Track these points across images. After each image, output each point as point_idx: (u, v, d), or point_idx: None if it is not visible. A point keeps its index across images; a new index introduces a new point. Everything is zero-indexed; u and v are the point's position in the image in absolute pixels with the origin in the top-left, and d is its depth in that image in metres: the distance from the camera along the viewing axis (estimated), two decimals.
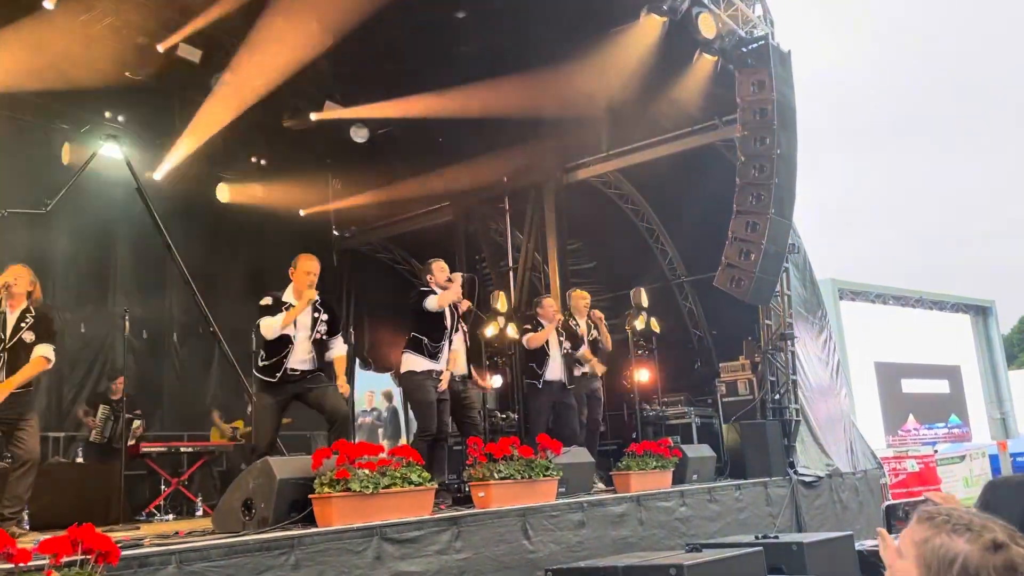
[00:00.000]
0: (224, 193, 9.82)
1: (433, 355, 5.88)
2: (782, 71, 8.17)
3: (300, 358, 5.31)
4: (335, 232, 11.87)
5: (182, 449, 7.89)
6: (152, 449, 7.70)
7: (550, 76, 8.15)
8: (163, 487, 7.67)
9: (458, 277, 6.02)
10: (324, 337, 5.45)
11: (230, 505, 4.22)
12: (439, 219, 11.40)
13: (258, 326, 5.27)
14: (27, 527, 5.26)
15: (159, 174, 8.53)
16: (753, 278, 7.73)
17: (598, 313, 7.66)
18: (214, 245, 9.50)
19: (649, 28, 7.60)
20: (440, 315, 5.95)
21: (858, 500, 8.95)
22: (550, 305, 7.33)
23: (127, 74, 8.03)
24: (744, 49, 8.18)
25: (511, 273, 11.02)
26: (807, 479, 8.12)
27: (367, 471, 4.24)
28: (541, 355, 7.10)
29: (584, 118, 9.24)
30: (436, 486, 4.81)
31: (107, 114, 8.67)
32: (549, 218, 10.35)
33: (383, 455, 4.49)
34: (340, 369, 5.56)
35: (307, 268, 5.38)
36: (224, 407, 9.06)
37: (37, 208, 7.42)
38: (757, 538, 5.66)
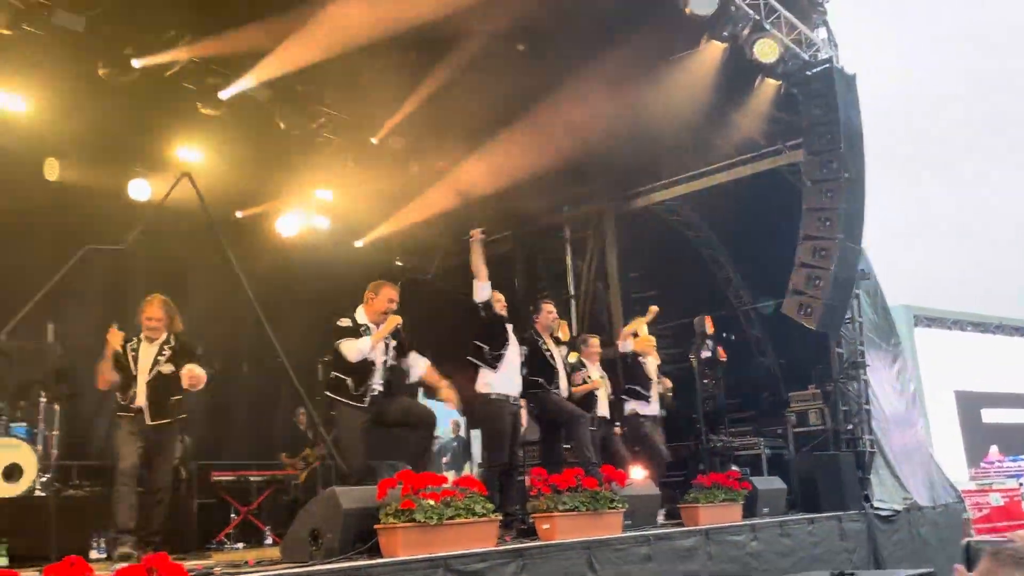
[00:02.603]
0: (288, 227, 10.02)
1: (493, 364, 5.87)
2: (848, 94, 8.03)
3: (379, 382, 5.35)
4: (398, 262, 12.01)
5: (251, 478, 8.01)
6: (222, 478, 7.85)
7: (610, 104, 8.16)
8: (233, 516, 7.80)
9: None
10: (395, 362, 5.48)
11: (298, 535, 4.26)
12: (499, 249, 11.45)
13: (336, 350, 5.25)
14: (105, 554, 5.42)
15: (239, 212, 8.79)
16: (822, 305, 7.55)
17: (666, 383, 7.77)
18: (280, 278, 9.70)
19: (710, 54, 7.58)
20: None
21: (938, 535, 8.57)
22: (594, 345, 7.32)
23: (200, 110, 8.33)
24: (808, 73, 8.08)
25: (572, 302, 10.99)
26: (884, 513, 7.82)
27: (431, 502, 4.24)
28: (588, 395, 7.06)
29: (645, 145, 9.20)
30: (500, 517, 4.78)
31: (181, 151, 8.97)
32: (610, 246, 10.31)
33: (447, 485, 4.49)
34: (435, 378, 5.56)
35: (389, 295, 5.42)
36: (290, 441, 9.16)
37: (116, 244, 7.76)
38: (833, 574, 5.46)
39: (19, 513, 5.86)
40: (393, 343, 5.46)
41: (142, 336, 5.32)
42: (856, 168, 7.88)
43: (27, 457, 6.17)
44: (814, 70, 8.09)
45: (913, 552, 7.96)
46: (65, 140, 8.16)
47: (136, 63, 7.42)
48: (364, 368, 5.25)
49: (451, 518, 4.26)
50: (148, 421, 5.20)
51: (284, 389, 9.24)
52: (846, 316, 8.31)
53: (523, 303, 8.96)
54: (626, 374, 7.88)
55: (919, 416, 9.64)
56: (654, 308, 7.96)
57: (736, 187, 9.45)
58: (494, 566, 4.29)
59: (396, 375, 5.51)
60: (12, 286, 7.38)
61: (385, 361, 5.38)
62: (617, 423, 7.26)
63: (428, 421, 5.42)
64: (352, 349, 5.20)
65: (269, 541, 7.28)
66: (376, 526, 4.14)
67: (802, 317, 7.63)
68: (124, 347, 5.27)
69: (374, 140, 9.30)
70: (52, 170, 8.24)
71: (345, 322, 5.34)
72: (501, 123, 8.64)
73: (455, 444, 12.14)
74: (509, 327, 6.15)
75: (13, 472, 6.06)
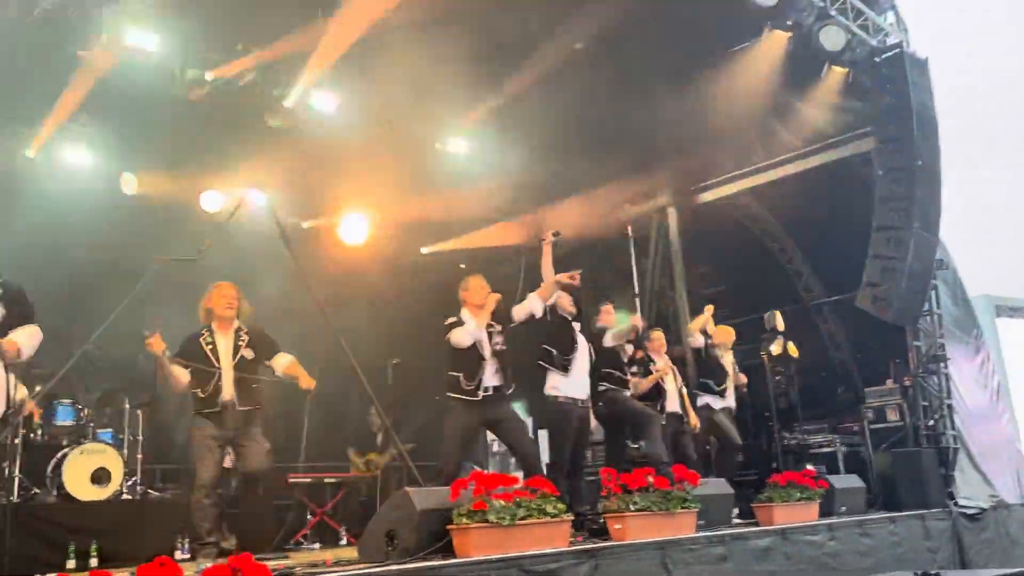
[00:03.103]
0: (353, 235, 10.18)
1: (564, 368, 5.85)
2: (919, 79, 7.78)
3: (491, 376, 5.44)
4: (462, 266, 12.09)
5: (325, 480, 8.17)
6: (299, 480, 8.02)
7: (672, 99, 8.07)
8: (309, 517, 7.96)
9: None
10: (504, 347, 5.56)
11: (374, 535, 4.33)
12: (561, 248, 11.41)
13: (449, 346, 5.46)
14: (188, 554, 5.56)
15: (307, 223, 8.97)
16: (898, 297, 7.33)
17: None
18: (347, 284, 9.87)
19: (774, 44, 7.44)
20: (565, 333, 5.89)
21: None
22: (658, 339, 7.23)
23: (268, 123, 8.54)
24: (877, 59, 7.85)
25: (636, 301, 10.89)
26: (969, 511, 7.55)
27: (503, 502, 4.26)
28: (658, 389, 6.98)
29: (709, 139, 9.07)
30: (572, 517, 4.77)
31: (251, 163, 9.20)
32: (674, 243, 10.19)
33: (518, 486, 4.50)
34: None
35: (479, 284, 5.61)
36: (357, 441, 9.33)
37: (190, 257, 8.01)
38: (917, 575, 5.29)
39: (107, 515, 6.10)
40: (498, 329, 5.55)
41: (213, 327, 5.33)
42: (930, 155, 7.63)
43: (114, 461, 6.42)
44: (883, 56, 7.86)
45: (1001, 551, 7.66)
46: (140, 155, 8.48)
47: (208, 76, 7.64)
48: (474, 360, 5.40)
49: (523, 518, 4.27)
50: (239, 407, 5.20)
51: (354, 393, 9.41)
52: (924, 308, 8.05)
53: (588, 303, 8.92)
54: (700, 369, 7.79)
55: (1004, 410, 9.26)
56: (710, 307, 7.84)
57: (804, 179, 9.23)
58: (567, 566, 4.27)
59: (507, 373, 5.56)
60: (95, 297, 7.70)
61: (495, 351, 5.46)
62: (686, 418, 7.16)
63: (526, 461, 5.51)
64: (462, 334, 5.39)
65: (344, 541, 7.41)
66: (449, 526, 4.18)
67: (877, 310, 7.43)
68: (197, 341, 5.29)
69: (438, 146, 9.40)
70: (129, 185, 8.57)
71: (452, 319, 5.53)
72: (563, 124, 8.62)
73: (499, 449, 12.15)
74: (576, 326, 6.14)
75: (101, 476, 6.31)
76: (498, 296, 5.53)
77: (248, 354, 5.31)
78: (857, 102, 8.09)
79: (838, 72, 7.92)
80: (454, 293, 5.76)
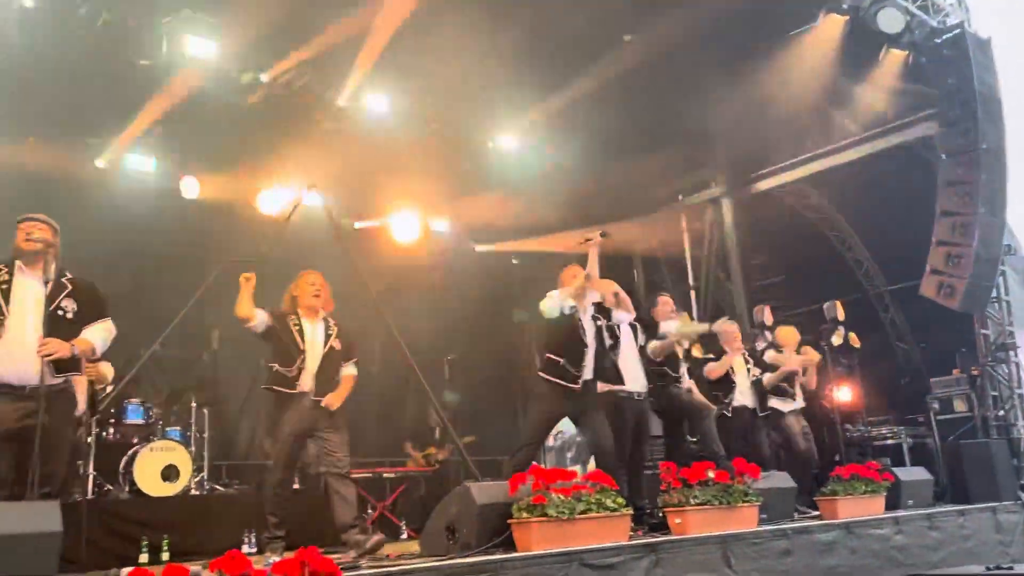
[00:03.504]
0: (404, 233, 10.25)
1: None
2: (982, 59, 7.55)
3: (590, 362, 5.33)
4: (515, 261, 12.12)
5: (384, 475, 8.28)
6: (359, 475, 8.15)
7: (725, 87, 7.97)
8: (369, 512, 8.08)
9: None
10: (614, 343, 5.52)
11: (435, 529, 4.38)
12: (614, 241, 11.34)
13: (546, 326, 5.37)
14: (255, 548, 5.70)
15: (360, 222, 9.09)
16: (964, 284, 7.13)
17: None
18: (400, 282, 9.97)
19: (830, 28, 7.30)
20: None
21: None
22: (730, 331, 7.06)
23: (321, 124, 8.68)
24: (937, 40, 7.63)
25: (692, 292, 10.79)
26: None
27: (562, 496, 4.27)
28: (726, 382, 6.87)
29: (765, 127, 8.93)
30: (631, 512, 4.75)
31: (306, 164, 9.36)
32: (730, 233, 10.06)
33: (577, 480, 4.50)
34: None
35: (574, 272, 5.52)
36: (414, 436, 9.43)
37: (250, 259, 8.19)
38: (988, 569, 5.15)
39: (177, 511, 6.28)
40: (601, 320, 5.48)
41: (300, 312, 5.17)
42: (995, 137, 7.40)
43: (182, 458, 6.61)
44: (944, 37, 7.64)
45: None
46: (200, 159, 8.70)
47: (263, 77, 7.78)
48: (577, 348, 5.29)
49: (583, 512, 4.27)
50: (313, 397, 4.96)
51: (411, 389, 9.52)
52: (991, 295, 7.81)
53: (643, 296, 8.85)
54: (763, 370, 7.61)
55: None
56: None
57: (863, 165, 9.02)
58: (628, 560, 4.27)
59: (606, 361, 5.47)
60: (160, 300, 7.94)
61: (597, 333, 5.40)
62: (764, 413, 6.99)
63: (600, 458, 5.37)
64: (550, 299, 5.29)
65: (404, 536, 7.50)
66: (509, 520, 4.21)
67: (942, 298, 7.24)
68: (286, 320, 5.10)
69: (490, 144, 9.44)
70: (191, 189, 8.79)
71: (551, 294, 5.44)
72: (616, 117, 8.57)
73: (579, 439, 12.15)
74: (623, 321, 5.98)
75: (170, 473, 6.50)
76: (587, 270, 5.38)
77: (336, 345, 5.17)
78: (918, 85, 7.88)
79: (897, 55, 7.72)
80: (508, 288, 5.73)
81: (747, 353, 7.05)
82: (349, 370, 5.26)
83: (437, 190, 10.48)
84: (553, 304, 5.33)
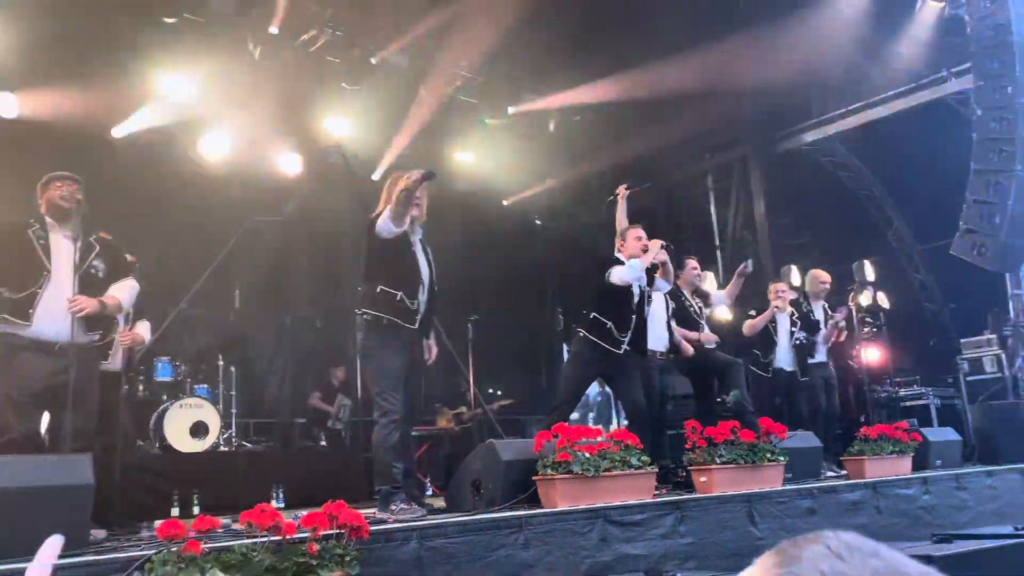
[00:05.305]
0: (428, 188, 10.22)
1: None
2: (1022, 8, 7.28)
3: (629, 330, 5.30)
4: (537, 222, 12.06)
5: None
6: None
7: (753, 42, 7.79)
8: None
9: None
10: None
11: (460, 485, 4.42)
12: (640, 201, 11.23)
13: (597, 285, 5.33)
14: (283, 503, 5.80)
15: (376, 174, 9.05)
16: (998, 243, 6.97)
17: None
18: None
19: None
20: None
21: None
22: (777, 290, 6.95)
23: (344, 85, 8.62)
24: None
25: (718, 252, 10.69)
26: None
27: (587, 454, 4.28)
28: (767, 342, 6.80)
29: (794, 84, 8.74)
30: (656, 470, 4.76)
31: (328, 123, 9.32)
32: (756, 192, 9.92)
33: (601, 439, 4.50)
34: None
35: (636, 234, 5.48)
36: (446, 399, 9.45)
37: (274, 217, 8.21)
38: (1017, 529, 5.09)
39: (206, 467, 6.39)
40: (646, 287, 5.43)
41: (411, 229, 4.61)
42: None
43: (211, 416, 6.70)
44: None
45: None
46: (223, 121, 8.66)
47: (272, 29, 7.68)
48: (625, 311, 5.29)
49: (607, 470, 4.28)
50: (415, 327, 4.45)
51: (443, 351, 9.54)
52: None
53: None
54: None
55: None
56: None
57: (895, 122, 8.82)
58: (652, 518, 4.28)
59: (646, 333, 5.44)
60: (188, 261, 7.98)
61: (641, 301, 5.37)
62: (805, 377, 6.90)
63: (632, 416, 5.35)
64: (621, 271, 5.21)
65: (429, 492, 7.59)
66: (534, 477, 4.23)
67: (976, 258, 7.09)
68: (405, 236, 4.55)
69: (511, 110, 9.35)
70: (210, 148, 8.76)
71: (609, 258, 5.40)
72: (646, 70, 8.43)
73: (600, 399, 12.18)
74: (662, 289, 5.97)
75: (199, 429, 6.60)
76: (658, 242, 5.34)
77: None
78: (954, 38, 7.65)
79: (933, 6, 7.52)
80: (529, 247, 5.64)
81: (793, 315, 6.94)
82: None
83: (460, 148, 10.41)
84: (623, 270, 5.24)
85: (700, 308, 6.55)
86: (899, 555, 0.60)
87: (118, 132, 7.84)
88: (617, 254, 5.53)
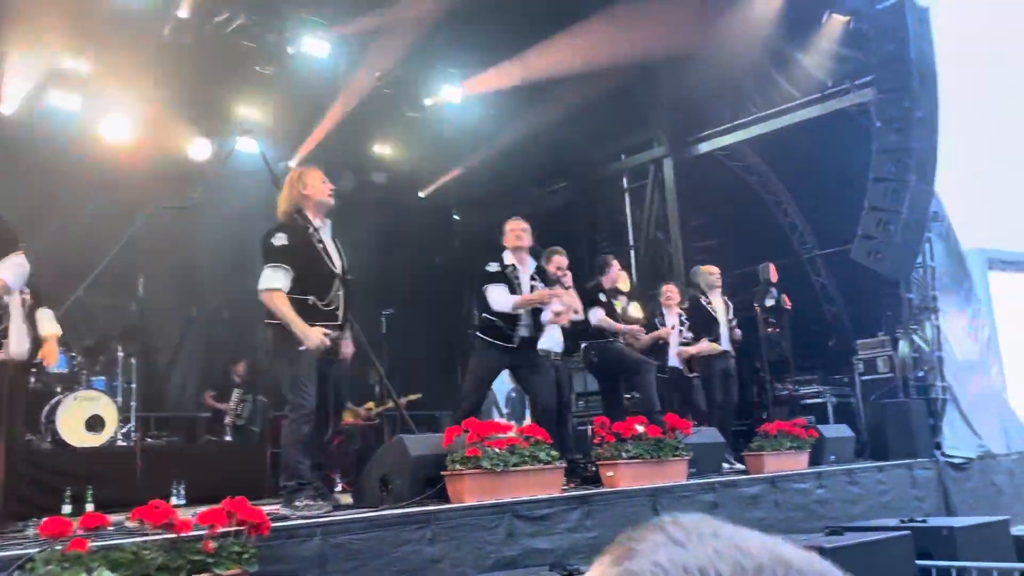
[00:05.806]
0: (350, 181, 10.06)
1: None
2: (920, 28, 7.66)
3: (526, 321, 5.36)
4: (455, 216, 12.03)
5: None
6: None
7: (667, 46, 7.94)
8: None
9: (548, 295, 5.43)
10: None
11: (369, 481, 4.36)
12: (557, 200, 11.36)
13: (483, 293, 5.36)
14: (184, 500, 5.61)
15: (292, 162, 8.84)
16: (893, 250, 7.32)
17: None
18: (345, 232, 9.80)
19: None
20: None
21: (1014, 483, 8.34)
22: (670, 293, 7.19)
23: (257, 69, 8.39)
24: (878, 7, 7.71)
25: (631, 252, 10.87)
26: (956, 461, 7.64)
27: (497, 449, 4.29)
28: (661, 344, 6.97)
29: (705, 89, 8.96)
30: (565, 465, 4.81)
31: (241, 109, 9.06)
32: (670, 194, 10.13)
33: (512, 433, 4.52)
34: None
35: (511, 226, 5.52)
36: (352, 391, 9.32)
37: (181, 204, 7.93)
38: (903, 522, 5.37)
39: (102, 462, 6.13)
40: (537, 281, 5.49)
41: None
42: (929, 106, 7.55)
43: (107, 409, 6.43)
44: (885, 3, 7.72)
45: (987, 500, 7.77)
46: (130, 102, 8.32)
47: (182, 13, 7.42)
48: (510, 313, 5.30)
49: (516, 465, 4.30)
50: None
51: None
52: (917, 261, 8.04)
53: (585, 254, 8.87)
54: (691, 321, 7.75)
55: (994, 362, 9.33)
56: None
57: (801, 130, 9.14)
58: (559, 512, 4.33)
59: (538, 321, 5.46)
60: (87, 246, 7.63)
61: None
62: (696, 374, 7.10)
63: (541, 413, 5.39)
64: (499, 299, 5.25)
65: (339, 488, 7.48)
66: (443, 472, 4.21)
67: (872, 262, 7.42)
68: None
69: (428, 102, 9.29)
70: (115, 131, 8.42)
71: (492, 267, 5.39)
72: (556, 65, 8.47)
73: (514, 395, 12.25)
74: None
75: (95, 423, 6.32)
76: (559, 292, 5.49)
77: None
78: (857, 51, 7.98)
79: (839, 20, 7.81)
80: (446, 241, 5.64)
81: (681, 316, 7.17)
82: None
83: (378, 139, 10.30)
84: (504, 302, 5.30)
85: (624, 309, 6.68)
86: (743, 531, 0.60)
87: (6, 108, 7.44)
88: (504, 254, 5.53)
